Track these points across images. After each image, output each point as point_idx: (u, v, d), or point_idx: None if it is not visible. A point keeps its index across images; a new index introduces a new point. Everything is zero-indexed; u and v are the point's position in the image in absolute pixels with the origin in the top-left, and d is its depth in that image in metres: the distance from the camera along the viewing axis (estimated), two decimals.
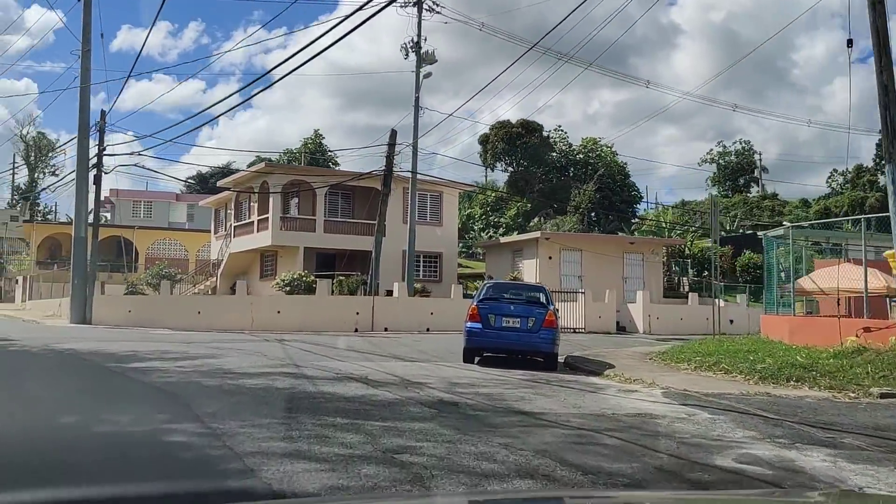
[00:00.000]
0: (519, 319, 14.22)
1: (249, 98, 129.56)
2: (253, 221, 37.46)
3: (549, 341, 14.18)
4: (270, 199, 35.68)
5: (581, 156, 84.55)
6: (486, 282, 15.58)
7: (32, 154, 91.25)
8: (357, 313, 28.06)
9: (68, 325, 27.05)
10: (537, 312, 14.36)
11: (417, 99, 30.62)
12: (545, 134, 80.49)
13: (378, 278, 29.07)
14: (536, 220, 78.58)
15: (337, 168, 43.09)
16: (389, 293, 31.38)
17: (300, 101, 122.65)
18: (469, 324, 14.48)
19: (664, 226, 48.76)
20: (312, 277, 29.11)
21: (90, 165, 28.72)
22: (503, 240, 39.61)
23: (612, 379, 13.04)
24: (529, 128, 78.37)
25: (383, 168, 29.03)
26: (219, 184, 40.07)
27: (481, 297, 14.96)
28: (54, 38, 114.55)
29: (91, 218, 29.64)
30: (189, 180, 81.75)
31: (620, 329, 31.79)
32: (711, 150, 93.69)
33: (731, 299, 36.98)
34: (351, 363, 14.04)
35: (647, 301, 32.48)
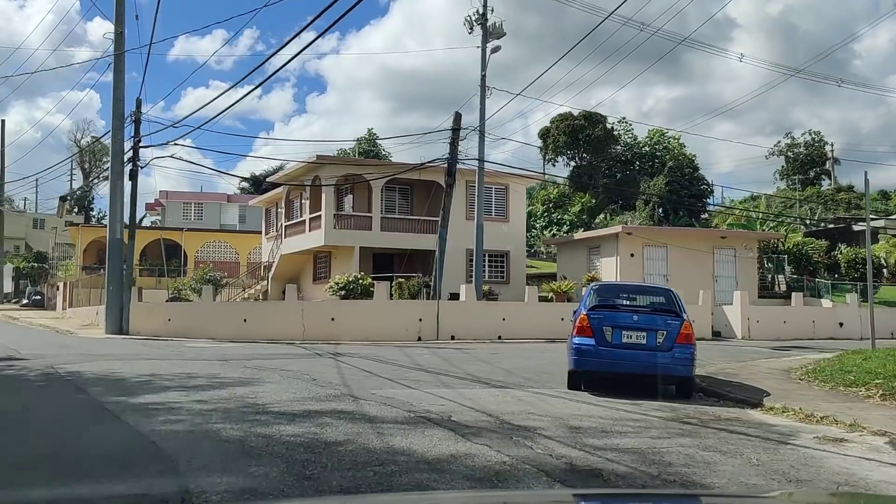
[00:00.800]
0: (645, 334, 10.75)
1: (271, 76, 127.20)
2: (304, 220, 34.59)
3: (686, 362, 10.69)
4: (323, 195, 32.74)
5: (647, 148, 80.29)
6: (591, 284, 12.01)
7: (87, 160, 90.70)
8: (420, 320, 24.84)
9: (102, 335, 24.42)
10: (669, 324, 10.86)
11: (484, 78, 27.28)
12: (608, 126, 76.56)
13: (442, 280, 25.83)
14: (602, 216, 74.68)
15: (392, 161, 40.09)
16: (454, 297, 28.13)
17: (353, 105, 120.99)
18: (577, 339, 11.04)
19: (756, 217, 44.38)
20: (370, 280, 26.02)
21: (125, 160, 26.10)
22: (577, 236, 36.01)
23: (782, 415, 9.49)
24: (592, 119, 74.41)
25: (446, 156, 25.75)
26: (268, 179, 37.31)
27: (592, 305, 11.47)
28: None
29: (127, 217, 27.04)
30: (242, 183, 79.94)
31: (715, 334, 27.94)
32: (779, 141, 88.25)
33: (838, 299, 32.79)
34: (423, 391, 10.77)
35: (745, 302, 28.58)
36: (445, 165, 26.66)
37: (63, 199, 30.05)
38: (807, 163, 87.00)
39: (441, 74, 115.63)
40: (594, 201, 74.63)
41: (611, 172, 76.66)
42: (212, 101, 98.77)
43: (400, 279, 29.01)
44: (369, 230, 33.18)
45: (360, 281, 25.51)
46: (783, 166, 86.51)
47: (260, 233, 44.07)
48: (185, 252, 46.63)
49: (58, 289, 37.30)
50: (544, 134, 76.10)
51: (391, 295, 26.22)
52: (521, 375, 13.45)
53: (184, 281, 29.96)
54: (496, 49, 26.57)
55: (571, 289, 27.58)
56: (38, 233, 72.82)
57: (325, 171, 32.59)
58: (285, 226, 36.64)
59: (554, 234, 65.51)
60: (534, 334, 25.65)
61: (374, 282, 26.44)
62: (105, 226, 53.37)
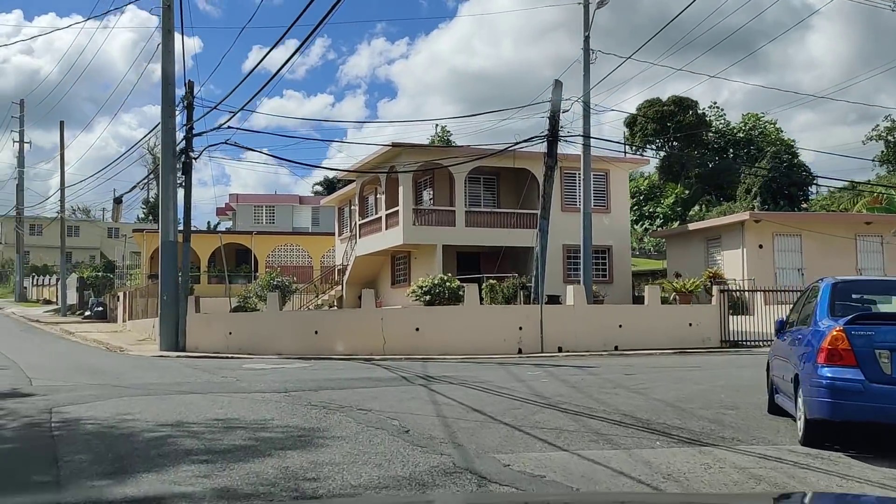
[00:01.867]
0: None
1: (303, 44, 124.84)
2: (380, 217, 31.02)
3: None
4: (400, 188, 29.10)
5: (741, 134, 74.50)
6: (821, 282, 7.41)
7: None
8: (520, 329, 20.87)
9: (154, 353, 21.25)
10: None
11: (587, 39, 23.14)
12: (700, 111, 71.12)
13: (544, 280, 21.77)
14: (697, 208, 69.43)
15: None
16: (552, 300, 24.12)
17: (423, 109, 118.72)
18: (828, 370, 6.74)
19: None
20: (457, 282, 22.18)
21: (176, 151, 22.93)
22: (693, 226, 31.40)
23: None
24: (683, 105, 69.12)
25: (545, 133, 21.68)
26: (339, 175, 33.88)
27: (849, 315, 7.05)
28: (192, 63, 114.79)
29: (182, 217, 23.89)
30: (315, 186, 77.48)
31: None
32: (877, 125, 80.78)
33: None
34: (579, 454, 6.81)
35: None
36: (542, 146, 22.61)
37: (117, 201, 27.03)
38: None
39: (510, 75, 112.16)
40: (687, 192, 69.44)
41: (702, 161, 71.35)
42: (262, 87, 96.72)
43: (491, 280, 25.11)
44: (452, 226, 29.39)
45: (448, 283, 21.69)
46: (883, 151, 79.44)
47: (333, 234, 40.84)
48: (255, 257, 43.77)
49: (118, 299, 34.66)
50: (631, 122, 71.05)
51: (483, 299, 22.33)
52: (696, 414, 9.32)
53: (249, 288, 26.74)
54: (602, 3, 22.39)
55: (698, 287, 23.17)
56: (112, 242, 71.73)
57: (402, 160, 28.93)
58: (359, 224, 33.17)
59: (646, 229, 60.60)
60: (657, 343, 21.41)
61: (463, 284, 22.62)
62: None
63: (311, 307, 33.82)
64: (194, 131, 22.84)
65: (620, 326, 21.47)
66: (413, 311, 21.42)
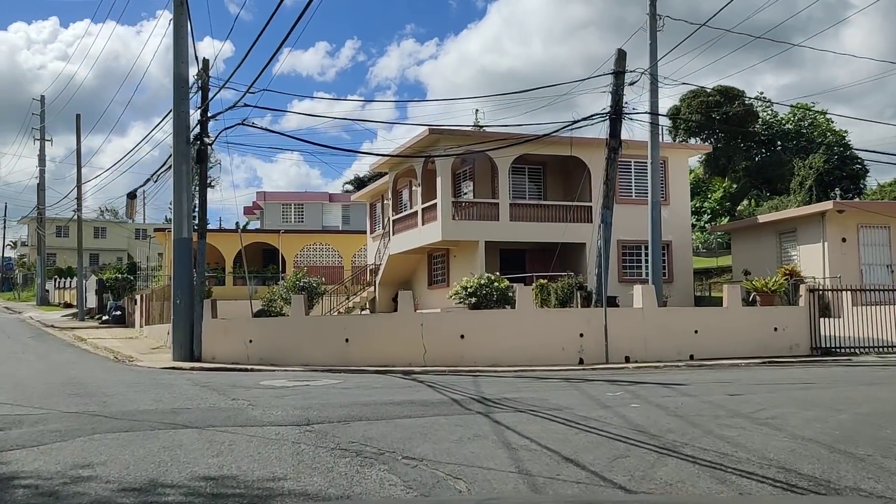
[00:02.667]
0: None
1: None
2: (416, 212, 28.40)
3: None
4: (438, 180, 26.45)
5: (790, 126, 70.85)
6: None
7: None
8: (580, 335, 18.11)
9: (166, 364, 18.82)
10: None
11: (653, 4, 20.32)
12: (747, 101, 67.60)
13: (607, 279, 18.97)
14: (746, 202, 66.08)
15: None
16: (610, 302, 21.40)
17: (453, 109, 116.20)
18: None
19: None
20: (507, 282, 19.47)
21: (190, 137, 20.49)
22: (763, 218, 28.33)
23: None
24: (729, 95, 65.65)
25: (607, 110, 18.88)
26: (371, 167, 31.32)
27: None
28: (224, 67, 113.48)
29: (197, 211, 21.49)
30: (346, 185, 75.13)
31: None
32: None
33: None
34: None
35: None
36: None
37: (131, 196, 24.69)
38: None
39: (540, 74, 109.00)
40: (735, 186, 66.11)
41: (749, 154, 67.96)
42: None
43: (541, 280, 22.37)
44: (496, 220, 26.67)
45: (497, 284, 18.97)
46: None
47: (365, 233, 38.31)
48: (282, 257, 41.39)
49: (135, 303, 32.41)
50: (674, 113, 67.66)
51: (535, 302, 19.58)
52: (883, 466, 6.55)
53: (274, 290, 24.27)
54: None
55: (782, 287, 20.22)
56: (138, 243, 70.02)
57: (441, 147, 26.28)
58: (393, 220, 30.57)
59: (692, 225, 57.50)
60: (737, 351, 18.56)
61: (513, 284, 19.92)
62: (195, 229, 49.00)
63: (341, 310, 31.32)
64: (209, 113, 20.36)
65: (696, 332, 18.62)
66: (457, 316, 18.75)
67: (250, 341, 19.52)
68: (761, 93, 77.53)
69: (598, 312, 18.40)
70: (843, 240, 24.24)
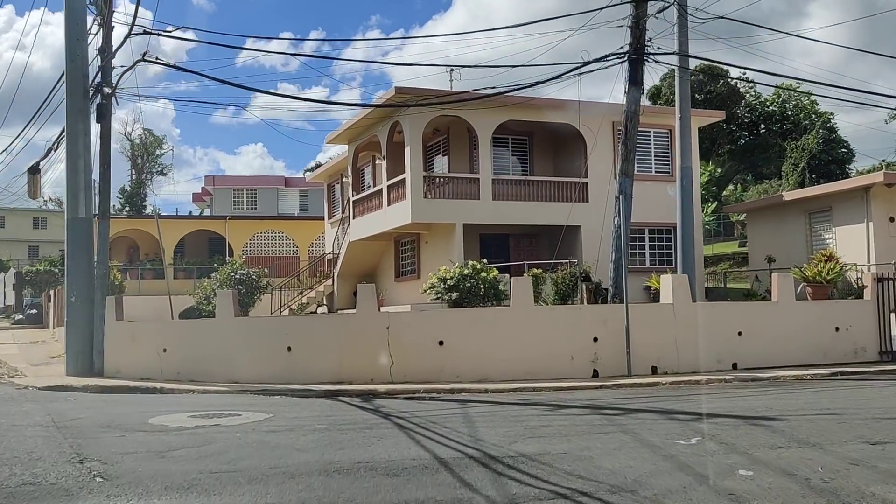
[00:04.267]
0: None
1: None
2: (381, 189, 24.00)
3: None
4: (407, 150, 22.07)
5: (775, 107, 67.41)
6: None
7: (139, 155, 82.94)
8: (594, 339, 13.87)
9: (56, 380, 14.28)
10: None
11: None
12: (731, 81, 63.92)
13: (626, 267, 14.72)
14: (731, 187, 62.70)
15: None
16: (612, 295, 17.33)
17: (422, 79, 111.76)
18: None
19: None
20: (496, 272, 15.18)
21: (89, 88, 15.83)
22: (789, 196, 24.32)
23: None
24: (712, 73, 61.80)
25: (626, 49, 14.61)
26: (327, 139, 26.84)
27: None
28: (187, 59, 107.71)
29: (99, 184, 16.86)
30: (307, 173, 70.33)
31: None
32: None
33: None
34: None
35: None
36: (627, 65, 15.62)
37: (33, 170, 19.73)
38: None
39: (507, 65, 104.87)
40: (720, 171, 62.71)
41: (733, 138, 64.48)
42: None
43: (534, 269, 18.15)
44: (475, 199, 22.37)
45: (483, 274, 14.67)
46: None
47: (323, 219, 33.77)
48: (229, 246, 36.74)
49: (49, 299, 27.57)
50: (654, 94, 63.73)
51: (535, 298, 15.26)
52: None
53: (205, 284, 19.77)
54: None
55: (837, 276, 16.17)
56: (40, 232, 64.95)
57: (409, 116, 21.90)
58: (354, 201, 26.13)
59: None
60: (792, 358, 14.53)
61: (505, 275, 15.70)
62: (128, 216, 43.48)
63: (293, 307, 26.84)
64: (114, 55, 15.74)
65: (740, 334, 14.50)
66: (434, 316, 14.40)
67: (164, 350, 15.01)
68: (744, 73, 73.97)
69: (616, 311, 14.20)
70: (892, 219, 20.40)
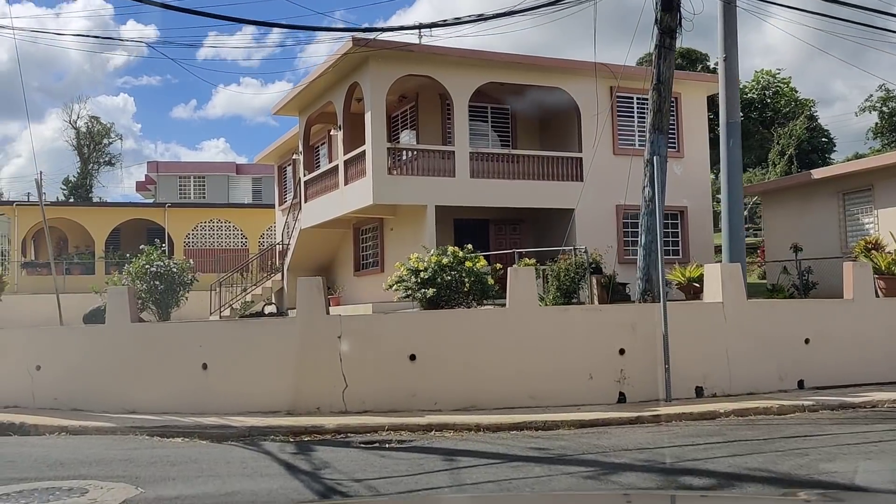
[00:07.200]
0: None
1: None
2: (336, 166, 20.14)
3: None
4: (367, 116, 18.26)
5: (753, 94, 64.66)
6: None
7: (86, 144, 78.12)
8: (621, 352, 10.24)
9: None
10: None
11: None
12: (710, 66, 60.95)
13: (662, 255, 11.09)
14: (713, 176, 59.81)
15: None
16: (618, 292, 13.92)
17: None
18: None
19: None
20: (484, 261, 11.50)
21: None
22: (819, 174, 20.85)
23: None
24: (691, 58, 58.85)
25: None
26: (273, 109, 22.88)
27: None
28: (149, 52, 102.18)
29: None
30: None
31: None
32: (871, 95, 71.03)
33: None
34: None
35: None
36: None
37: None
38: None
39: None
40: None
41: (712, 125, 61.62)
42: None
43: (526, 260, 14.53)
44: (450, 176, 18.62)
45: (467, 263, 10.98)
46: (877, 123, 70.40)
47: (275, 207, 29.75)
48: (169, 237, 32.55)
49: None
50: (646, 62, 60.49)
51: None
52: None
53: (115, 279, 15.83)
54: None
55: None
56: None
57: (370, 75, 18.11)
58: (305, 182, 22.23)
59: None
60: (873, 373, 11.07)
61: (500, 267, 12.02)
62: (55, 202, 38.84)
63: (236, 307, 22.92)
64: None
65: (807, 342, 10.97)
66: (403, 321, 10.62)
67: (38, 368, 11.07)
68: (725, 57, 70.94)
69: (647, 312, 10.58)
70: None
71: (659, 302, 10.36)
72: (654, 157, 10.83)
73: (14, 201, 33.38)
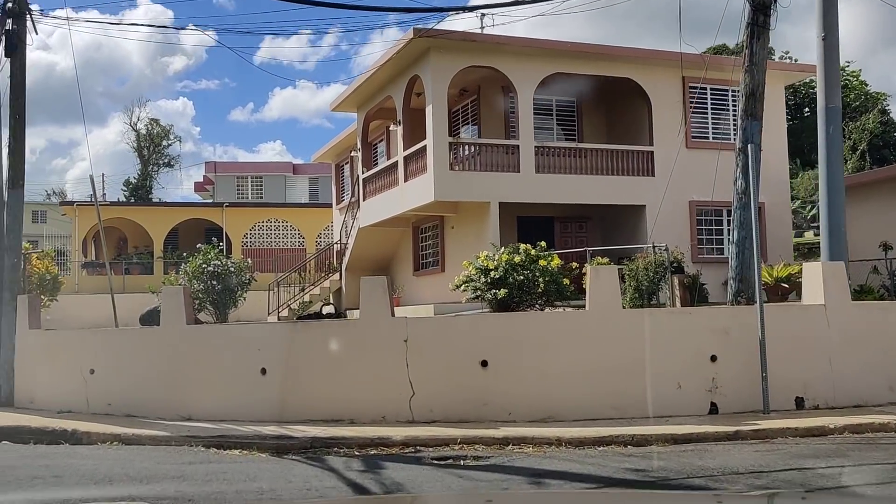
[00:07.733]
0: None
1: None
2: (396, 163, 19.50)
3: None
4: (428, 111, 17.59)
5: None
6: None
7: (145, 146, 79.35)
8: (712, 359, 9.34)
9: None
10: None
11: None
12: (781, 56, 58.85)
13: (759, 252, 10.13)
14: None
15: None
16: (702, 292, 12.90)
17: None
18: None
19: None
20: (559, 260, 10.69)
21: None
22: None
23: None
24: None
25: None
26: (331, 106, 22.39)
27: None
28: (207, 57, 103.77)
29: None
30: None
31: None
32: None
33: None
34: None
35: None
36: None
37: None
38: None
39: None
40: None
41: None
42: None
43: (598, 259, 13.66)
44: (514, 171, 17.81)
45: (541, 262, 10.19)
46: None
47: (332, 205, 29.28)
48: (227, 237, 32.42)
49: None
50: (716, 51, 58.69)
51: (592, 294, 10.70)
52: None
53: (172, 279, 15.46)
54: None
55: None
56: (40, 227, 60.76)
57: (431, 67, 17.43)
58: (364, 179, 21.66)
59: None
60: None
61: (575, 266, 11.20)
62: (117, 203, 39.08)
63: (294, 307, 22.47)
64: None
65: None
66: (473, 324, 9.88)
67: (91, 372, 10.63)
68: (786, 52, 68.69)
69: (742, 316, 9.65)
70: None
71: (754, 304, 9.40)
72: (749, 146, 9.87)
73: (75, 202, 33.59)
